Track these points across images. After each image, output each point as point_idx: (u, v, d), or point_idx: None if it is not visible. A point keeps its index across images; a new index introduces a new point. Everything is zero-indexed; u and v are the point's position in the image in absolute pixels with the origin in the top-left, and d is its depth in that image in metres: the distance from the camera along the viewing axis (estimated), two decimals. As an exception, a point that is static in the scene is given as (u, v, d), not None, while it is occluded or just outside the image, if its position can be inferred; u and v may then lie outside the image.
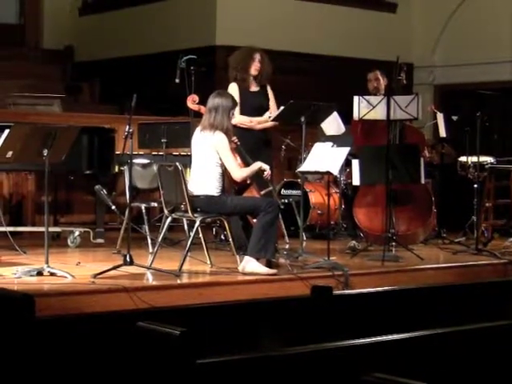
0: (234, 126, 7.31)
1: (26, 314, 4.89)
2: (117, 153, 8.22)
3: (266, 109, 7.48)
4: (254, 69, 7.43)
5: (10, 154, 6.11)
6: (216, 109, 6.58)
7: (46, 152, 6.03)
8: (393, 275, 6.91)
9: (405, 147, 7.88)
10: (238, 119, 7.33)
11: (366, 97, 7.77)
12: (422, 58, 12.81)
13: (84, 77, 12.86)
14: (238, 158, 6.72)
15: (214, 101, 6.63)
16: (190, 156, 6.94)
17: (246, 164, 6.75)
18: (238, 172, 6.54)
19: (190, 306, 5.70)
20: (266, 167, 6.67)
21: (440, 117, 9.03)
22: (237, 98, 7.32)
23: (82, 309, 5.37)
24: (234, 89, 7.40)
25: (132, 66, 12.08)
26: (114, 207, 6.64)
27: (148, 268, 6.39)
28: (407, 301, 6.49)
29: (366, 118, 7.73)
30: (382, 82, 8.26)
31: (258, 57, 7.43)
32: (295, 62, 11.44)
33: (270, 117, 7.44)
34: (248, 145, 6.89)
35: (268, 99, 7.54)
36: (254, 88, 7.51)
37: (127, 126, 6.33)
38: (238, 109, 7.29)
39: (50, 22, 13.36)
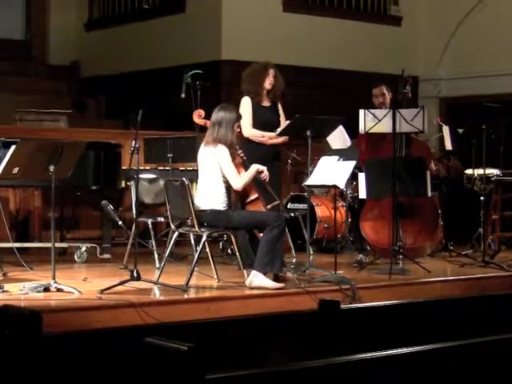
0: (247, 139, 7.33)
1: (33, 331, 4.89)
2: (123, 168, 8.23)
3: (277, 125, 7.49)
4: (269, 83, 7.45)
5: (16, 169, 6.13)
6: (219, 123, 6.59)
7: (52, 168, 6.04)
8: (400, 288, 6.90)
9: (411, 160, 7.88)
10: (251, 132, 7.35)
11: (372, 110, 7.76)
12: (428, 70, 12.83)
13: (90, 92, 12.91)
14: (244, 172, 6.70)
15: (217, 115, 6.65)
16: (196, 171, 6.94)
17: (254, 178, 6.73)
18: (238, 180, 6.53)
19: (198, 321, 5.69)
20: (263, 168, 6.67)
21: (446, 129, 9.03)
22: (249, 111, 7.35)
23: (89, 324, 5.36)
24: (246, 102, 7.42)
25: (138, 81, 12.12)
26: (120, 222, 6.64)
27: (155, 283, 6.38)
28: (415, 314, 6.48)
29: (372, 131, 7.72)
30: (388, 96, 8.23)
31: (272, 72, 7.46)
32: (300, 76, 11.45)
33: (275, 131, 7.45)
34: (257, 158, 6.88)
35: (279, 115, 7.56)
36: (266, 103, 7.53)
37: (133, 141, 6.34)
38: (250, 122, 7.32)
39: (55, 37, 13.43)
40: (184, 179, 6.53)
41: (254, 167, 6.63)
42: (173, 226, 6.76)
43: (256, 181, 6.76)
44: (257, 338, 5.68)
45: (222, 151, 6.52)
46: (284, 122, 7.50)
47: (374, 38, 12.57)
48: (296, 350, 5.63)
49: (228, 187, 6.60)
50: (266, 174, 6.68)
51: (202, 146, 6.69)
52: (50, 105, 10.81)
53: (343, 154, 7.13)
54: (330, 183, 7.02)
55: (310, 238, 7.61)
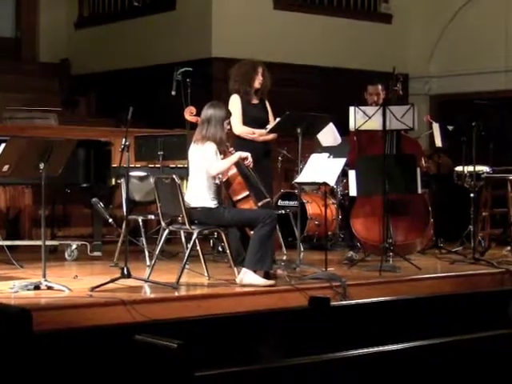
0: (237, 137, 7.34)
1: (23, 329, 4.88)
2: (113, 166, 8.21)
3: (266, 122, 7.50)
4: (258, 82, 7.45)
5: (6, 167, 6.11)
6: (208, 120, 6.59)
7: (42, 165, 6.03)
8: (390, 285, 6.91)
9: (401, 157, 7.89)
10: (241, 129, 7.36)
11: (362, 107, 7.76)
12: (418, 68, 12.85)
13: (80, 90, 12.89)
14: (235, 169, 6.70)
15: (206, 112, 6.64)
16: (186, 168, 6.94)
17: (244, 176, 6.74)
18: (215, 166, 6.51)
19: (188, 319, 5.69)
20: (247, 154, 6.66)
21: (436, 127, 9.04)
22: (239, 109, 7.35)
23: (79, 322, 5.36)
24: (236, 100, 7.41)
25: (128, 79, 12.11)
26: (111, 220, 6.64)
27: (146, 281, 6.38)
28: (405, 311, 6.49)
29: (363, 128, 7.73)
30: (382, 95, 8.23)
31: (261, 70, 7.45)
32: (291, 73, 11.47)
33: (265, 128, 7.45)
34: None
35: (267, 112, 7.57)
36: (255, 101, 7.54)
37: (124, 139, 6.33)
38: (240, 120, 7.32)
39: (46, 35, 13.41)
40: (174, 177, 6.52)
41: (237, 154, 6.63)
42: (163, 224, 6.75)
43: (247, 178, 6.77)
44: (247, 335, 5.68)
45: (209, 148, 6.51)
46: (272, 119, 7.51)
47: (364, 35, 12.59)
48: (286, 346, 5.64)
49: (218, 184, 6.61)
50: (250, 161, 6.68)
51: (192, 143, 6.69)
52: (41, 103, 10.78)
53: (333, 152, 7.14)
54: (321, 180, 7.03)
55: (300, 235, 7.63)
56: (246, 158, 6.67)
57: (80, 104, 12.74)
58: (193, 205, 6.54)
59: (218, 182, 6.59)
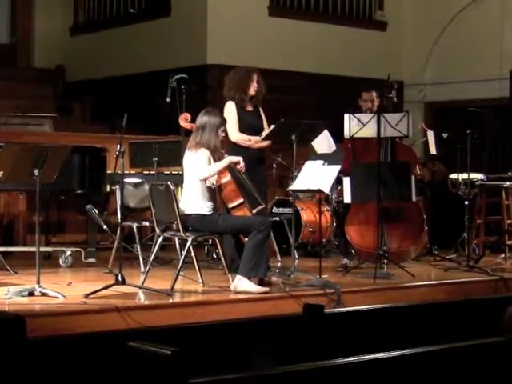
0: (232, 144, 7.35)
1: (17, 335, 4.88)
2: (108, 172, 8.22)
3: (261, 129, 7.51)
4: (253, 89, 7.46)
5: (0, 173, 6.11)
6: (203, 127, 6.60)
7: (37, 172, 6.03)
8: (385, 292, 6.91)
9: (396, 165, 7.90)
10: (238, 136, 7.37)
11: (357, 115, 7.78)
12: (412, 75, 12.88)
13: (75, 96, 12.89)
14: (229, 175, 6.71)
15: (201, 119, 6.66)
16: (181, 175, 6.95)
17: (238, 183, 6.75)
18: (206, 169, 6.52)
19: (183, 326, 5.69)
20: (239, 159, 6.66)
21: (430, 134, 9.05)
22: (234, 116, 7.36)
23: (73, 329, 5.36)
24: (231, 108, 7.42)
25: (123, 86, 12.11)
26: (105, 227, 6.63)
27: (140, 287, 6.38)
28: (399, 318, 6.49)
29: (357, 135, 7.75)
30: (376, 102, 8.25)
31: (256, 78, 7.47)
32: (286, 80, 11.48)
33: (261, 135, 7.46)
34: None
35: (262, 119, 7.58)
36: (249, 108, 7.55)
37: (118, 146, 6.33)
38: (236, 126, 7.33)
39: (41, 41, 13.41)
40: (169, 183, 6.53)
41: (228, 158, 6.63)
42: (158, 231, 6.75)
43: (241, 185, 6.77)
44: (242, 342, 5.68)
45: (201, 154, 6.51)
46: (267, 126, 7.52)
47: (359, 42, 12.61)
48: (280, 353, 5.64)
49: (213, 191, 6.61)
50: (242, 165, 6.69)
51: (187, 150, 6.70)
52: (35, 109, 10.78)
53: (328, 159, 7.15)
54: (315, 187, 7.03)
55: (295, 242, 7.63)
56: (238, 163, 6.68)
57: (75, 110, 12.72)
58: (187, 211, 6.54)
59: (210, 185, 6.59)
